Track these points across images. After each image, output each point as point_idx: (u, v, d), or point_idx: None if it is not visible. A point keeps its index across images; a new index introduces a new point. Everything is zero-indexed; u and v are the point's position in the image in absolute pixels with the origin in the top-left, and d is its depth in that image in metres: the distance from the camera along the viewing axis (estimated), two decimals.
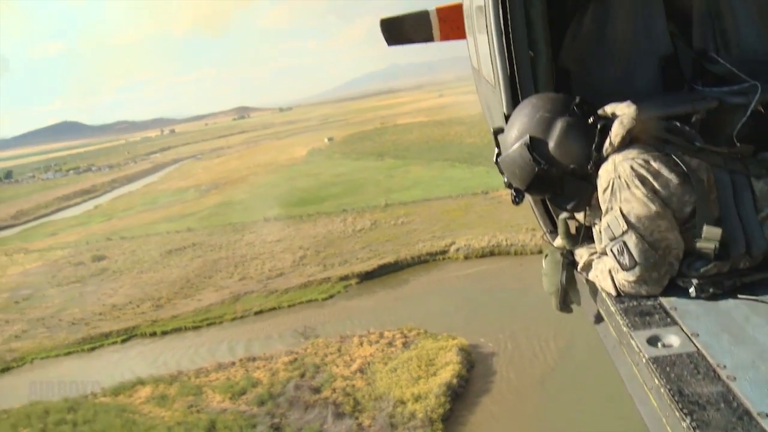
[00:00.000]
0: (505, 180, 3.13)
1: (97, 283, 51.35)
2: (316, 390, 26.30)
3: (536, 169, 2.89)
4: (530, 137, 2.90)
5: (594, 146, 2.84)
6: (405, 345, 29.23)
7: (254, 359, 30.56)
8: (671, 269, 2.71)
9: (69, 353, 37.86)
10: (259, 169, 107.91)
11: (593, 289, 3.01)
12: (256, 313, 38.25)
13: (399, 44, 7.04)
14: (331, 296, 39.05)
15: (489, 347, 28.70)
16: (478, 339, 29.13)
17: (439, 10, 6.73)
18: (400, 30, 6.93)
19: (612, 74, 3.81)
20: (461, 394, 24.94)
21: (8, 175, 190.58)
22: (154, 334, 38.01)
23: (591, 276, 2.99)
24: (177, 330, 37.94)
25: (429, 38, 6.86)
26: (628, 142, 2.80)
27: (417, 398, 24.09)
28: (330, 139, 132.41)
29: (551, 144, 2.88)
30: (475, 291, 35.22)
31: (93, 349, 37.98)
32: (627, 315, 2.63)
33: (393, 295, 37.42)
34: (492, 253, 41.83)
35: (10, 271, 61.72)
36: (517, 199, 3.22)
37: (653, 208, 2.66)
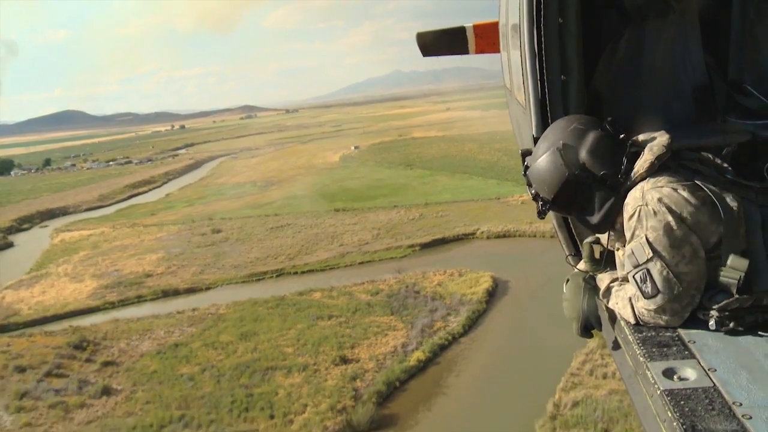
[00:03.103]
0: (533, 192, 3.29)
1: (228, 246, 77.65)
2: (417, 292, 53.29)
3: (566, 174, 3.09)
4: (563, 143, 3.12)
5: (625, 156, 3.05)
6: (460, 275, 56.28)
7: (374, 281, 57.46)
8: (693, 302, 2.82)
9: (244, 282, 64.26)
10: (301, 171, 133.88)
11: (612, 316, 3.13)
12: (360, 263, 65.24)
13: (433, 56, 7.86)
14: (405, 256, 66.17)
15: (505, 279, 55.65)
16: (500, 275, 56.09)
17: (476, 27, 7.36)
18: (435, 43, 7.74)
19: (645, 102, 3.94)
20: (492, 294, 52.16)
21: (47, 162, 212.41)
22: (296, 273, 64.75)
23: (611, 303, 3.12)
24: (311, 271, 64.74)
25: (464, 51, 7.52)
26: (656, 169, 2.98)
27: (471, 293, 51.21)
28: (356, 148, 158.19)
29: (583, 151, 3.09)
30: (496, 254, 62.41)
31: (258, 280, 64.44)
32: (644, 345, 2.71)
33: (445, 255, 64.56)
34: (505, 236, 69.08)
35: (145, 237, 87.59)
36: (544, 209, 3.29)
37: (679, 236, 2.78)
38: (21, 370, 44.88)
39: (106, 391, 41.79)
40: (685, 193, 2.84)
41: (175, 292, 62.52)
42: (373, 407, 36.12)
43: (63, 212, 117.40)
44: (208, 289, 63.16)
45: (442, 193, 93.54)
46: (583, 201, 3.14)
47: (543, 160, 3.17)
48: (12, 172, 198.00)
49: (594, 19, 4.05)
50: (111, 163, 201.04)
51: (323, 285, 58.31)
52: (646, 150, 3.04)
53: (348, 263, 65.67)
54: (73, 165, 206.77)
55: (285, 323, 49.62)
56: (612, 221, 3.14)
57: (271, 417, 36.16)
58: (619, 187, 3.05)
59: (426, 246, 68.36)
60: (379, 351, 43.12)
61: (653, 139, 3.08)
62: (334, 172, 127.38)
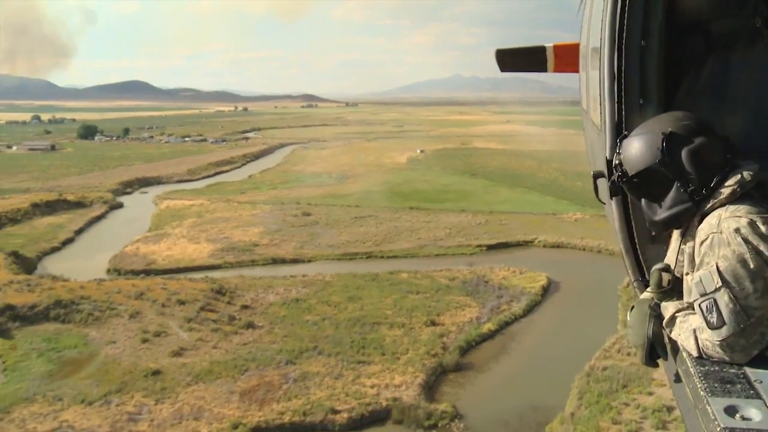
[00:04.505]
0: (617, 161, 3.25)
1: (320, 228, 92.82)
2: (486, 281, 67.92)
3: (657, 159, 3.06)
4: (671, 131, 3.06)
5: (718, 176, 2.99)
6: (521, 273, 70.67)
7: (450, 269, 72.12)
8: (762, 339, 2.73)
9: (339, 259, 79.28)
10: (372, 168, 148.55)
11: (675, 348, 3.10)
12: (436, 255, 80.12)
13: (511, 71, 8.41)
14: (474, 253, 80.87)
15: (558, 280, 69.80)
16: (553, 276, 70.23)
17: (557, 47, 7.74)
18: (514, 59, 8.20)
19: (730, 130, 3.69)
20: (547, 290, 66.51)
21: (127, 131, 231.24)
22: (383, 257, 79.74)
23: (674, 334, 3.08)
24: (395, 257, 79.74)
25: (543, 69, 7.87)
26: (738, 197, 2.93)
27: (530, 287, 65.66)
28: (422, 151, 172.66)
29: (685, 148, 3.04)
30: (550, 260, 76.73)
31: (350, 259, 79.50)
32: (706, 379, 2.64)
33: (507, 256, 79.07)
34: (558, 246, 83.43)
35: (241, 212, 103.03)
36: (619, 183, 3.26)
37: (752, 269, 2.69)
38: (181, 303, 60.58)
39: (251, 325, 57.23)
40: (764, 227, 2.77)
41: (283, 261, 78.05)
42: (458, 355, 50.98)
43: (158, 181, 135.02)
44: (309, 261, 78.49)
45: (503, 203, 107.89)
46: (658, 193, 3.15)
47: (644, 137, 3.16)
48: (96, 138, 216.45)
49: (677, 44, 4.06)
50: (187, 139, 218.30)
51: (408, 268, 73.11)
52: (731, 176, 3.01)
53: (426, 254, 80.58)
54: (151, 137, 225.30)
55: (382, 293, 64.56)
56: (674, 224, 3.18)
57: (383, 354, 51.10)
58: (696, 199, 3.04)
59: (491, 247, 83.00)
60: (459, 320, 57.87)
61: (739, 166, 3.05)
62: (403, 173, 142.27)
